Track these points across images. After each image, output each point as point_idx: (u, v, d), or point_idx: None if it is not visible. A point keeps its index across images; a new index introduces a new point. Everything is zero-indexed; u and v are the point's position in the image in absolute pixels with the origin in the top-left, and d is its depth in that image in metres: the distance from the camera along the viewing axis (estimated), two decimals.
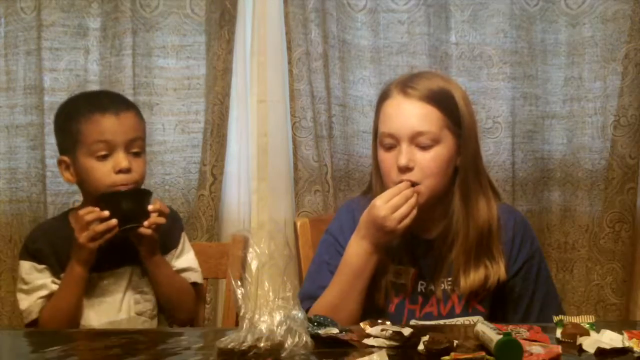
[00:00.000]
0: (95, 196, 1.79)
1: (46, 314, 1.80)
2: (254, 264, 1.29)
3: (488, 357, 1.26)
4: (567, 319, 1.45)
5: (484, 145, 2.30)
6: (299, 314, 1.28)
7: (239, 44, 2.41)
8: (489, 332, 1.31)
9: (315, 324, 1.40)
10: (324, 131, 2.35)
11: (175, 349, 1.40)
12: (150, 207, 1.77)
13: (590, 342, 1.33)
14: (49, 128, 2.36)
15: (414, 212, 1.65)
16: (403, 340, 1.36)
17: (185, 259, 1.95)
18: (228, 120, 2.38)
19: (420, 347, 1.31)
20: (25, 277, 1.84)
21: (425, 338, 1.32)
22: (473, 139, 1.74)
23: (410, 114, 1.70)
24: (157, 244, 1.82)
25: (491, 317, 1.66)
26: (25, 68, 2.42)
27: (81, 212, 1.75)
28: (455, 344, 1.32)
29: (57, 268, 1.81)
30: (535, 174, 2.44)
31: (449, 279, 1.74)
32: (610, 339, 1.33)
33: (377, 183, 1.78)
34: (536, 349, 1.28)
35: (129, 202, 1.76)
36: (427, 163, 1.69)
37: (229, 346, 1.24)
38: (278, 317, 1.26)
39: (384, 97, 1.76)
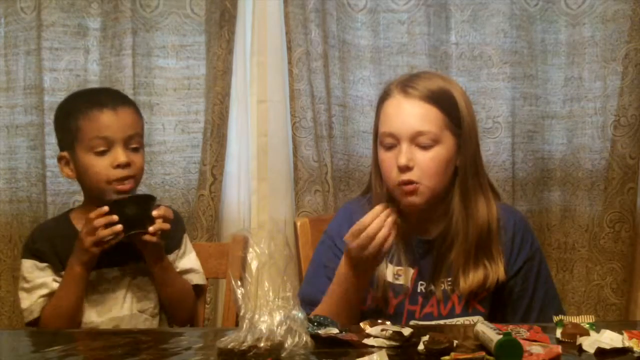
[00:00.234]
0: (102, 201, 1.79)
1: (47, 313, 1.81)
2: (254, 264, 1.29)
3: (488, 357, 1.26)
4: (567, 319, 1.45)
5: (484, 145, 2.30)
6: (299, 314, 1.28)
7: (239, 44, 2.41)
8: (489, 332, 1.31)
9: (315, 324, 1.41)
10: (324, 131, 2.35)
11: (176, 349, 1.40)
12: (154, 213, 1.77)
13: (590, 342, 1.33)
14: (49, 128, 2.36)
15: (393, 233, 1.62)
16: (403, 340, 1.36)
17: (188, 260, 1.96)
18: (228, 120, 2.38)
19: (420, 347, 1.31)
20: (27, 275, 1.85)
21: (425, 338, 1.33)
22: (473, 139, 1.74)
23: (411, 114, 1.70)
24: (163, 250, 1.82)
25: (491, 317, 1.66)
26: (25, 68, 2.42)
27: (91, 215, 1.75)
28: (455, 344, 1.32)
29: (58, 266, 1.82)
30: (535, 174, 2.44)
31: (449, 279, 1.74)
32: (610, 339, 1.33)
33: (376, 183, 1.78)
34: (536, 349, 1.28)
35: (134, 208, 1.76)
36: (427, 163, 1.69)
37: (229, 346, 1.24)
38: (278, 317, 1.26)
39: (384, 96, 1.76)
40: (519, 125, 2.42)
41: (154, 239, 1.77)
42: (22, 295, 1.85)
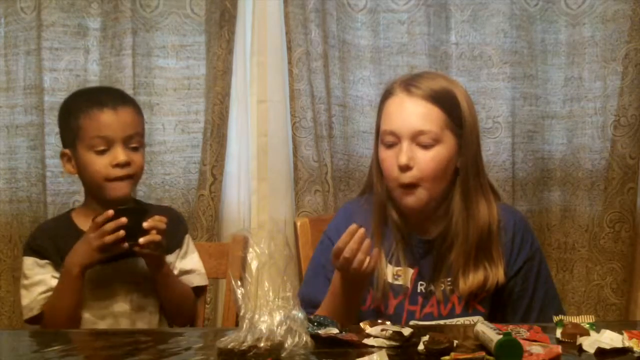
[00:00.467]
0: (102, 201, 1.82)
1: (47, 313, 1.82)
2: (254, 264, 1.29)
3: (488, 357, 1.26)
4: (567, 319, 1.45)
5: (484, 145, 2.29)
6: (299, 314, 1.28)
7: (239, 44, 2.41)
8: (489, 332, 1.31)
9: (315, 324, 1.41)
10: (324, 131, 2.35)
11: (176, 349, 1.40)
12: (145, 225, 1.76)
13: (590, 342, 1.33)
14: (49, 128, 2.37)
15: (370, 258, 1.60)
16: (403, 340, 1.36)
17: (190, 261, 1.96)
18: (228, 120, 2.38)
19: (420, 347, 1.31)
20: (27, 272, 1.86)
21: (425, 338, 1.33)
22: (474, 140, 1.75)
23: (412, 113, 1.70)
24: (161, 258, 1.82)
25: (491, 317, 1.66)
26: (25, 68, 2.42)
27: (98, 219, 1.75)
28: (455, 344, 1.32)
29: (60, 263, 1.83)
30: (535, 174, 2.44)
31: (449, 279, 1.74)
32: (610, 339, 1.33)
33: (377, 181, 1.78)
34: (536, 349, 1.28)
35: (128, 219, 1.76)
36: (427, 162, 1.69)
37: (229, 346, 1.24)
38: (278, 317, 1.26)
39: (387, 95, 1.76)
40: (519, 125, 2.42)
41: (144, 251, 1.77)
42: (22, 292, 1.86)
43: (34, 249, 1.88)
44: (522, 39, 2.39)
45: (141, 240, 1.75)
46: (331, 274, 1.69)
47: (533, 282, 1.76)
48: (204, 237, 2.34)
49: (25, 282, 1.85)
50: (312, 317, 1.42)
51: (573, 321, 1.44)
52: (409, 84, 1.73)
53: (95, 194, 1.87)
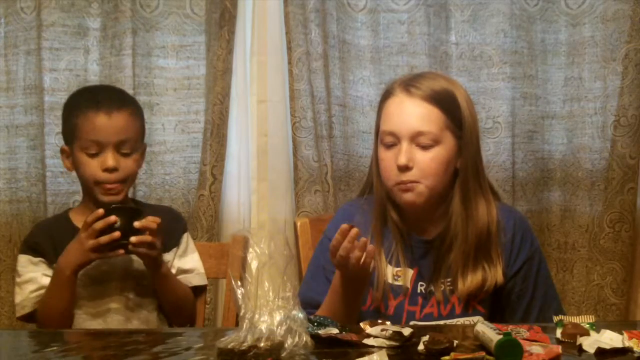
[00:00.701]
0: (96, 200, 1.84)
1: (39, 312, 1.84)
2: (254, 264, 1.29)
3: (488, 357, 1.26)
4: (567, 319, 1.45)
5: (484, 145, 2.29)
6: (299, 314, 1.28)
7: (239, 44, 2.41)
8: (489, 332, 1.31)
9: (315, 324, 1.41)
10: (324, 131, 2.35)
11: (175, 349, 1.40)
12: (136, 224, 1.76)
13: (590, 342, 1.33)
14: (49, 128, 2.37)
15: (367, 255, 1.59)
16: (403, 340, 1.36)
17: (190, 260, 1.96)
18: (228, 120, 2.38)
19: (420, 347, 1.31)
20: (20, 269, 1.88)
21: (425, 338, 1.33)
22: (474, 141, 1.74)
23: (412, 113, 1.70)
24: (157, 259, 1.82)
25: (491, 318, 1.66)
26: (25, 68, 2.42)
27: (88, 219, 1.76)
28: (455, 344, 1.32)
29: (55, 261, 1.83)
30: (535, 174, 2.44)
31: (449, 279, 1.74)
32: (610, 339, 1.33)
33: (377, 182, 1.78)
34: (536, 349, 1.28)
35: (121, 219, 1.76)
36: (426, 163, 1.69)
37: (229, 346, 1.24)
38: (278, 317, 1.26)
39: (386, 95, 1.76)
40: (519, 125, 2.42)
41: (138, 250, 1.77)
42: (16, 290, 1.88)
43: (30, 246, 1.90)
44: (522, 39, 2.39)
45: (133, 239, 1.75)
46: (331, 274, 1.69)
47: (533, 282, 1.76)
48: (204, 237, 2.34)
49: (18, 279, 1.88)
50: (312, 317, 1.42)
51: (573, 321, 1.44)
52: (408, 84, 1.73)
53: (90, 193, 1.89)
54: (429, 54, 2.39)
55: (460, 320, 1.71)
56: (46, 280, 1.83)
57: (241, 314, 1.27)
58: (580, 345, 1.34)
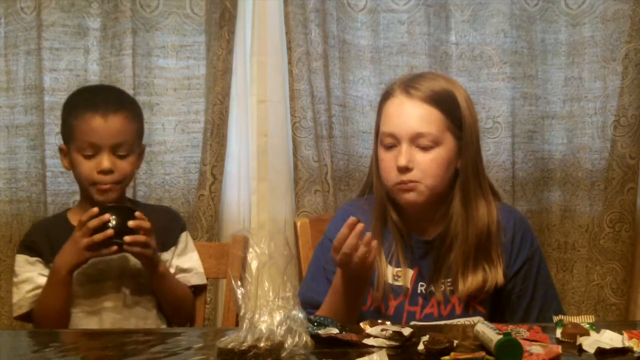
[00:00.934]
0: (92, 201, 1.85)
1: (35, 311, 1.84)
2: (254, 264, 1.29)
3: (488, 357, 1.26)
4: (567, 319, 1.45)
5: (484, 145, 2.29)
6: (299, 314, 1.28)
7: (239, 44, 2.41)
8: (489, 332, 1.31)
9: (315, 324, 1.41)
10: (324, 131, 2.35)
11: (175, 349, 1.40)
12: (130, 224, 1.77)
13: (590, 342, 1.33)
14: (49, 128, 2.37)
15: (373, 250, 1.59)
16: (403, 340, 1.36)
17: (189, 260, 1.97)
18: (228, 120, 2.38)
19: (420, 347, 1.31)
20: (17, 269, 1.90)
21: (425, 338, 1.33)
22: (474, 141, 1.74)
23: (412, 115, 1.70)
24: (153, 259, 1.82)
25: (491, 318, 1.66)
26: (25, 68, 2.42)
27: (82, 217, 1.76)
28: (455, 344, 1.32)
29: (52, 261, 1.83)
30: (535, 174, 2.44)
31: (449, 280, 1.74)
32: (610, 339, 1.33)
33: (377, 182, 1.78)
34: (536, 349, 1.28)
35: (116, 217, 1.76)
36: (426, 164, 1.69)
37: (229, 346, 1.24)
38: (278, 317, 1.26)
39: (386, 96, 1.76)
40: (519, 125, 2.42)
41: (133, 249, 1.77)
42: (13, 289, 1.89)
43: (27, 246, 1.91)
44: (522, 39, 2.39)
45: (126, 238, 1.75)
46: (331, 274, 1.69)
47: (533, 282, 1.76)
48: (204, 237, 2.34)
49: (15, 279, 1.89)
50: (312, 317, 1.42)
51: (573, 321, 1.44)
52: (408, 85, 1.72)
53: (86, 193, 1.90)
54: (429, 54, 2.39)
55: (460, 321, 1.71)
56: (43, 280, 1.83)
57: (241, 314, 1.27)
58: (580, 345, 1.34)
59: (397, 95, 1.73)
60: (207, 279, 2.02)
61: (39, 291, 1.83)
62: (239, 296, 1.27)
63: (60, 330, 1.75)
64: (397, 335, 1.36)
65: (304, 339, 1.27)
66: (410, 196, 1.71)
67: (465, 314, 1.72)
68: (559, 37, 2.42)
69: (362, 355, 1.25)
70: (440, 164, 1.70)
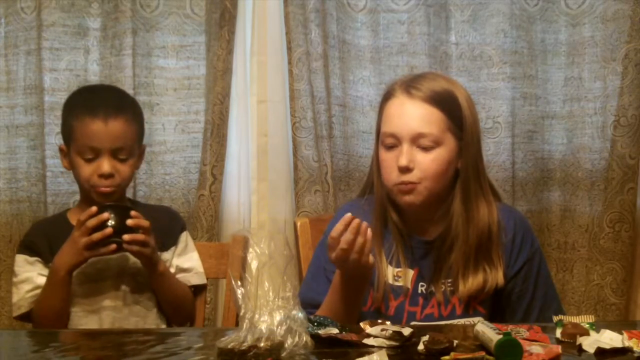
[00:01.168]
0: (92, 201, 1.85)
1: (35, 311, 1.84)
2: (254, 264, 1.29)
3: (488, 357, 1.26)
4: (567, 319, 1.45)
5: (484, 145, 2.28)
6: (299, 314, 1.28)
7: (239, 44, 2.41)
8: (489, 332, 1.31)
9: (315, 324, 1.41)
10: (324, 131, 2.35)
11: (175, 349, 1.40)
12: (129, 222, 1.77)
13: (590, 342, 1.33)
14: (49, 128, 2.37)
15: (369, 239, 1.58)
16: (403, 340, 1.36)
17: (189, 260, 1.97)
18: (228, 120, 2.38)
19: (420, 347, 1.31)
20: (16, 269, 1.90)
21: (425, 338, 1.33)
22: (475, 142, 1.74)
23: (413, 115, 1.70)
24: (152, 258, 1.82)
25: (491, 318, 1.66)
26: (25, 68, 2.42)
27: (81, 217, 1.76)
28: (455, 344, 1.32)
29: (51, 260, 1.83)
30: (535, 174, 2.44)
31: (449, 280, 1.74)
32: (610, 338, 1.33)
33: (377, 182, 1.78)
34: (536, 349, 1.28)
35: (115, 217, 1.77)
36: (427, 164, 1.69)
37: (229, 346, 1.24)
38: (278, 317, 1.26)
39: (387, 96, 1.76)
40: (519, 125, 2.42)
41: (132, 248, 1.77)
42: (13, 289, 1.89)
43: (26, 246, 1.91)
44: (522, 39, 2.39)
45: (125, 237, 1.75)
46: (332, 274, 1.69)
47: (533, 282, 1.76)
48: (204, 237, 2.34)
49: (15, 279, 1.89)
50: (312, 317, 1.42)
51: (573, 321, 1.44)
52: (409, 85, 1.72)
53: (85, 193, 1.90)
54: (429, 54, 2.39)
55: (460, 321, 1.71)
56: (42, 280, 1.83)
57: (241, 314, 1.27)
58: (580, 345, 1.34)
59: (398, 96, 1.73)
60: (207, 279, 2.02)
61: (38, 291, 1.83)
62: (239, 296, 1.27)
63: (60, 330, 1.75)
64: (397, 335, 1.36)
65: (304, 339, 1.27)
66: (409, 197, 1.71)
67: (466, 314, 1.72)
68: (559, 37, 2.42)
69: (362, 355, 1.25)
70: (440, 164, 1.70)
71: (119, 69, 2.37)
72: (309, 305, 1.66)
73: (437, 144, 1.69)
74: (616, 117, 2.35)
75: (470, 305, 1.73)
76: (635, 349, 1.30)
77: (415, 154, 1.69)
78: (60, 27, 2.39)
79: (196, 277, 1.97)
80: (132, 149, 1.89)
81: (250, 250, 1.31)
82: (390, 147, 1.72)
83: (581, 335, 1.37)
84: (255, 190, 2.45)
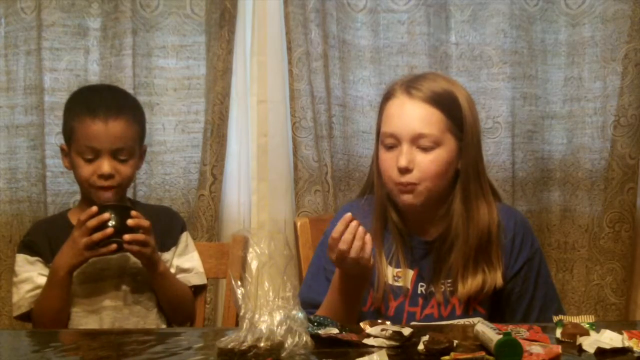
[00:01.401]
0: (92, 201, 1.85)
1: (34, 311, 1.84)
2: (254, 264, 1.29)
3: (488, 357, 1.26)
4: (567, 319, 1.45)
5: (484, 145, 2.28)
6: (299, 314, 1.28)
7: (239, 44, 2.41)
8: (489, 332, 1.31)
9: (315, 324, 1.41)
10: (324, 131, 2.35)
11: (175, 349, 1.40)
12: (129, 222, 1.77)
13: (590, 342, 1.33)
14: (49, 128, 2.37)
15: (368, 243, 1.58)
16: (403, 340, 1.36)
17: (189, 260, 1.97)
18: (228, 120, 2.38)
19: (420, 347, 1.31)
20: (17, 269, 1.90)
21: (425, 338, 1.33)
22: (475, 142, 1.74)
23: (413, 115, 1.70)
24: (152, 258, 1.82)
25: (491, 318, 1.66)
26: (25, 68, 2.42)
27: (81, 217, 1.76)
28: (455, 344, 1.32)
29: (51, 260, 1.83)
30: (535, 174, 2.44)
31: (449, 280, 1.74)
32: (610, 338, 1.33)
33: (377, 182, 1.78)
34: (536, 349, 1.28)
35: (115, 216, 1.77)
36: (427, 165, 1.69)
37: (229, 346, 1.24)
38: (278, 317, 1.26)
39: (387, 96, 1.75)
40: (519, 125, 2.42)
41: (132, 248, 1.77)
42: (13, 289, 1.89)
43: (27, 245, 1.91)
44: (522, 39, 2.40)
45: (126, 237, 1.75)
46: (332, 274, 1.69)
47: (533, 282, 1.76)
48: (204, 237, 2.34)
49: (15, 279, 1.89)
50: (312, 317, 1.42)
51: (573, 321, 1.44)
52: (410, 85, 1.72)
53: (86, 193, 1.90)
54: (429, 54, 2.39)
55: (460, 322, 1.71)
56: (42, 280, 1.83)
57: (241, 314, 1.27)
58: (580, 345, 1.34)
59: (398, 96, 1.73)
60: (207, 279, 2.02)
61: (38, 291, 1.84)
62: (239, 296, 1.27)
63: (60, 330, 1.75)
64: (397, 335, 1.36)
65: (304, 339, 1.27)
66: (408, 198, 1.71)
67: (466, 314, 1.72)
68: (558, 37, 2.42)
69: (362, 355, 1.26)
70: (440, 164, 1.70)
71: (119, 69, 2.37)
72: (309, 305, 1.66)
73: (437, 144, 1.69)
74: (616, 117, 2.35)
75: (470, 306, 1.73)
76: (635, 349, 1.30)
77: (415, 155, 1.69)
78: (60, 27, 2.39)
79: (196, 277, 1.97)
80: (133, 149, 1.89)
81: (250, 250, 1.31)
82: (390, 148, 1.71)
83: (581, 335, 1.37)
84: (255, 190, 2.45)
